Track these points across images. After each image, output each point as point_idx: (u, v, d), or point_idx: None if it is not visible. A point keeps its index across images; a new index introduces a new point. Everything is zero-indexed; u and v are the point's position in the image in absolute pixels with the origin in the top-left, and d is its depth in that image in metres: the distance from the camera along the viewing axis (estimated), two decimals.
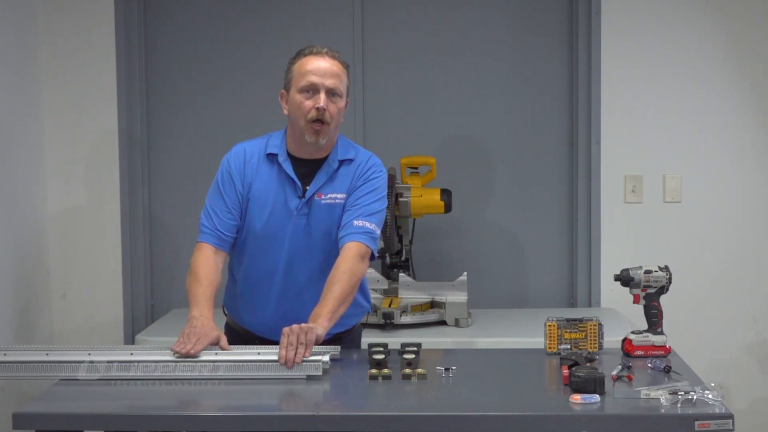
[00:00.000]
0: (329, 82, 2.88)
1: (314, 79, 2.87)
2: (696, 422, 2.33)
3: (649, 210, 4.35)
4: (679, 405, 2.39)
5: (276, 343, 2.84)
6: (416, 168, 4.10)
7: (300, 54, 2.94)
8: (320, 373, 2.67)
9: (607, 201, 4.35)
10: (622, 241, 4.36)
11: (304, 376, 2.67)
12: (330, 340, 2.93)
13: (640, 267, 2.93)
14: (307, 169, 2.96)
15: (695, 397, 2.41)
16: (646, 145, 4.34)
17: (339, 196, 2.94)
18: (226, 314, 3.14)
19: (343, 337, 3.03)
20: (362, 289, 3.06)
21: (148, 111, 4.43)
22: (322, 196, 2.94)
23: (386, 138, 4.40)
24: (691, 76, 4.32)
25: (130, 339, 4.31)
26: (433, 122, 4.45)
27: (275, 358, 2.68)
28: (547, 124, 4.43)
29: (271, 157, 2.97)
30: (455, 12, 4.42)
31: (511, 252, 4.45)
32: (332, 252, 2.93)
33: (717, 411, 2.36)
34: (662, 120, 4.34)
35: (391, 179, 3.92)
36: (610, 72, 4.31)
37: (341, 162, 2.96)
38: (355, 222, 2.90)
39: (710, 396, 2.41)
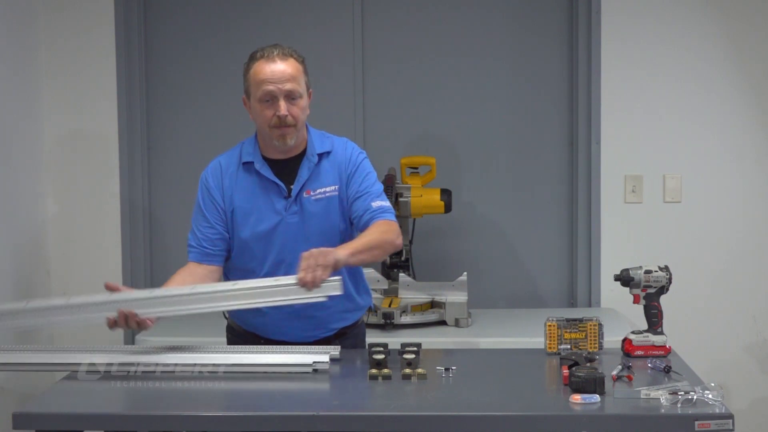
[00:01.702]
0: (286, 87, 2.85)
1: (270, 87, 2.84)
2: (696, 422, 2.33)
3: (649, 210, 4.35)
4: (679, 405, 2.39)
5: (281, 342, 2.89)
6: (416, 168, 4.10)
7: (252, 59, 2.91)
8: (339, 292, 2.69)
9: (607, 201, 4.35)
10: (622, 241, 4.36)
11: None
12: (335, 335, 2.96)
13: (640, 267, 2.93)
14: (286, 168, 2.95)
15: (695, 397, 2.41)
16: (646, 145, 4.34)
17: (328, 189, 2.94)
18: (226, 317, 3.13)
19: (347, 332, 3.03)
20: (362, 286, 3.07)
21: (148, 111, 4.43)
22: (312, 193, 2.93)
23: (386, 138, 4.40)
24: (691, 76, 4.32)
25: (130, 339, 4.31)
26: (433, 122, 4.45)
27: (293, 281, 2.70)
28: (547, 124, 4.43)
29: (248, 165, 2.96)
30: (455, 12, 4.42)
31: (511, 252, 4.45)
32: (335, 244, 2.90)
33: (717, 411, 2.36)
34: (662, 120, 4.34)
35: (391, 179, 3.93)
36: (610, 72, 4.31)
37: (320, 155, 2.96)
38: (374, 203, 2.92)
39: (710, 396, 2.41)
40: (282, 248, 2.92)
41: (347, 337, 3.01)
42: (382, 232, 2.86)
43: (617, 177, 4.35)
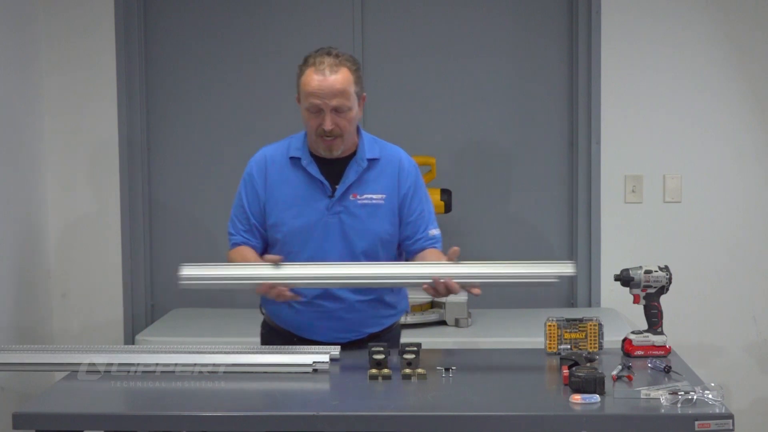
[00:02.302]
0: (333, 102, 2.83)
1: (317, 101, 2.83)
2: (696, 422, 2.33)
3: (649, 210, 4.35)
4: (679, 405, 2.39)
5: (315, 342, 2.91)
6: None
7: (305, 63, 2.89)
8: (573, 272, 2.76)
9: (607, 201, 4.35)
10: (622, 241, 4.36)
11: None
12: (368, 338, 2.96)
13: (640, 267, 2.93)
14: (334, 168, 2.94)
15: (695, 397, 2.41)
16: (646, 145, 4.34)
17: (376, 197, 2.95)
18: (263, 313, 3.13)
19: (381, 336, 3.01)
20: (401, 291, 3.08)
21: (148, 111, 4.43)
22: (358, 197, 2.93)
23: (386, 138, 4.35)
24: (692, 76, 4.32)
25: (130, 339, 4.31)
26: (433, 122, 4.44)
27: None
28: (547, 124, 4.43)
29: (295, 160, 2.96)
30: (455, 12, 4.42)
31: (511, 252, 4.44)
32: (376, 254, 2.93)
33: (717, 411, 2.36)
34: (662, 120, 4.34)
35: None
36: (610, 72, 4.31)
37: (370, 161, 2.96)
38: (431, 232, 2.98)
39: (710, 396, 2.41)
40: (318, 247, 2.91)
41: (381, 341, 2.96)
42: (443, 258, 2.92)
43: (617, 177, 4.35)
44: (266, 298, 2.84)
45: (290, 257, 2.91)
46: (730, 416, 2.34)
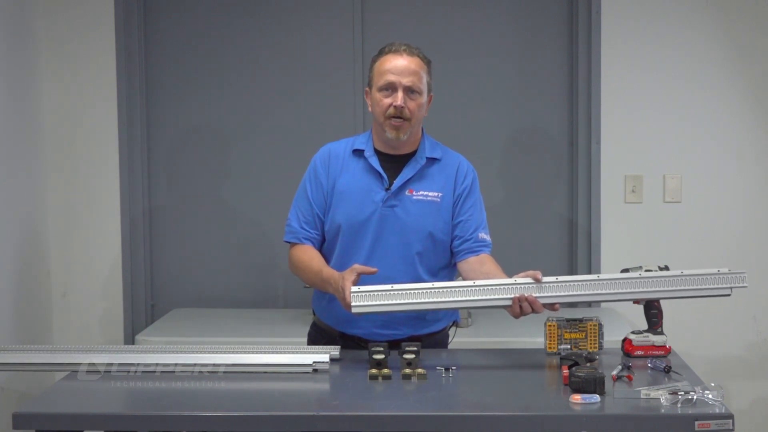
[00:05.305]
0: (406, 80, 2.92)
1: (392, 77, 2.92)
2: (696, 422, 2.34)
3: (649, 210, 4.35)
4: (679, 405, 2.39)
5: (358, 338, 2.93)
6: None
7: (380, 52, 3.00)
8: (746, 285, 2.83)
9: (607, 201, 4.35)
10: (622, 241, 4.36)
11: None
12: (417, 337, 2.95)
13: (640, 267, 2.93)
14: (394, 164, 3.01)
15: (695, 397, 2.41)
16: (646, 145, 4.34)
17: (431, 194, 3.00)
18: (314, 314, 3.15)
19: (422, 340, 2.97)
20: None
21: (148, 111, 4.43)
22: (414, 192, 2.98)
23: None
24: (691, 76, 4.33)
25: (130, 339, 4.32)
26: (434, 122, 4.43)
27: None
28: (547, 124, 4.43)
29: (358, 153, 3.02)
30: (455, 12, 4.43)
31: (511, 252, 4.44)
32: (429, 255, 2.96)
33: (717, 411, 2.36)
34: (662, 120, 4.34)
35: None
36: (610, 72, 4.32)
37: (429, 160, 3.02)
38: (480, 235, 3.01)
39: (710, 396, 2.41)
40: (375, 239, 2.95)
41: (427, 344, 2.95)
42: (500, 270, 2.96)
43: (617, 177, 4.35)
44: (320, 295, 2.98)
45: (346, 250, 2.95)
46: (730, 416, 2.34)
